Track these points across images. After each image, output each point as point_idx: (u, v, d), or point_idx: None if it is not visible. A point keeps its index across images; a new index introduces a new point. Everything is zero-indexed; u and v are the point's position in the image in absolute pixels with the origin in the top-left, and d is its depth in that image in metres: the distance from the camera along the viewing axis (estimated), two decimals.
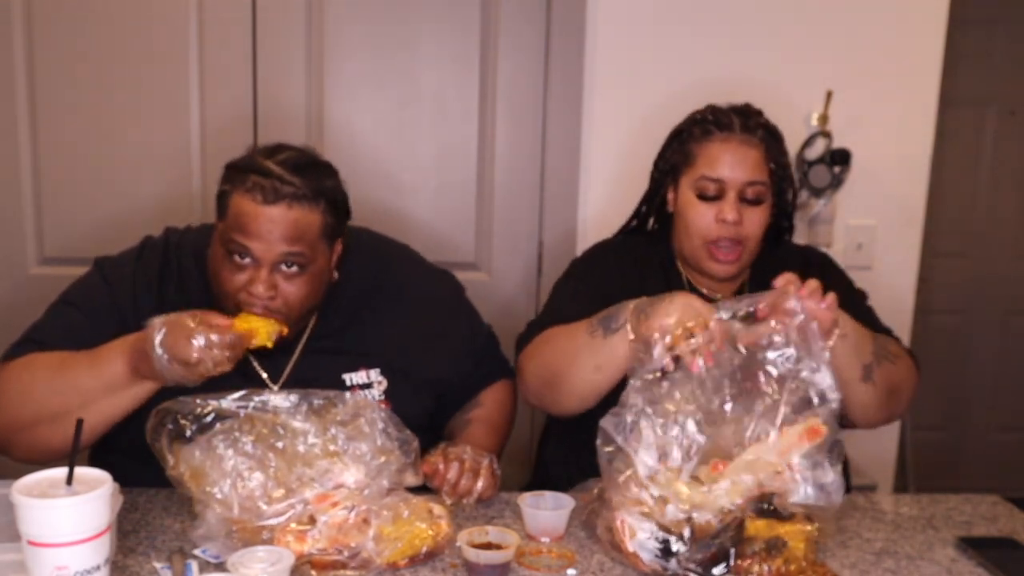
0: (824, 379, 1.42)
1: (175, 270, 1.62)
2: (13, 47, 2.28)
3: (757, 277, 1.79)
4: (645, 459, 1.36)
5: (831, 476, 1.38)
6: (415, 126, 2.40)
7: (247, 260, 1.49)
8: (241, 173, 1.50)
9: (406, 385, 1.66)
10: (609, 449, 1.40)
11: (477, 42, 2.37)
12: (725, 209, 1.68)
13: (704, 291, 1.78)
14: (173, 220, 1.81)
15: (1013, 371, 3.48)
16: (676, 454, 1.36)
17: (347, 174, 2.48)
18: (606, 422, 1.41)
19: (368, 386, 1.63)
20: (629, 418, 1.38)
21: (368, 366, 1.64)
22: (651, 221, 1.88)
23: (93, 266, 1.65)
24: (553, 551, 1.42)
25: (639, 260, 1.81)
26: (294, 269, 1.51)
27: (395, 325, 1.68)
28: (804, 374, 1.41)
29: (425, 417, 1.70)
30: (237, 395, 1.42)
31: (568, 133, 2.39)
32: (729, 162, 1.68)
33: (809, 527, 1.36)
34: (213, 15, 2.30)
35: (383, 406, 1.48)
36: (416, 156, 2.42)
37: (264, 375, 1.60)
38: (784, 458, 1.37)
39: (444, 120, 2.41)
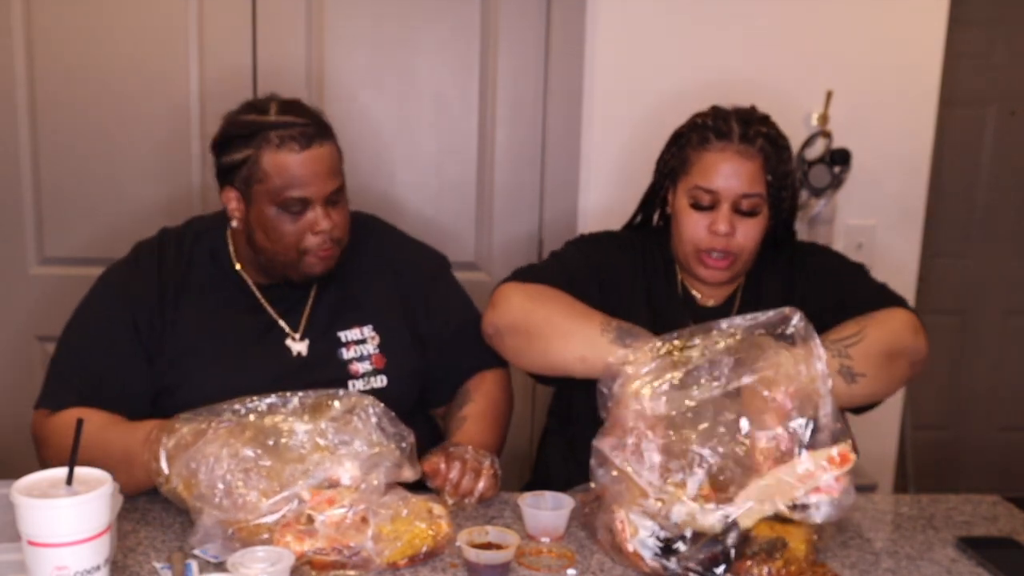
0: (827, 408, 1.39)
1: (175, 257, 1.68)
2: (13, 47, 2.28)
3: (751, 280, 1.79)
4: (650, 479, 1.35)
5: (851, 493, 1.36)
6: (415, 125, 2.40)
7: (302, 206, 1.58)
8: (257, 135, 1.56)
9: (397, 340, 1.71)
10: (605, 470, 1.39)
11: (477, 41, 2.37)
12: (718, 220, 1.66)
13: (697, 295, 1.78)
14: (173, 220, 1.81)
15: (1013, 371, 3.48)
16: (684, 478, 1.34)
17: (348, 173, 2.49)
18: (603, 444, 1.40)
19: (362, 342, 1.69)
20: (630, 440, 1.37)
21: (361, 323, 1.70)
22: (655, 218, 1.88)
23: (99, 283, 1.69)
24: (553, 551, 1.42)
25: (643, 256, 1.81)
26: (338, 199, 1.63)
27: (384, 287, 1.75)
28: None
29: (416, 384, 1.74)
30: (231, 407, 1.44)
31: (568, 133, 2.39)
32: (724, 173, 1.66)
33: (808, 528, 1.36)
34: (212, 14, 2.30)
35: (379, 404, 1.48)
36: (416, 155, 2.42)
37: (282, 323, 1.68)
38: (807, 484, 1.33)
39: (444, 120, 2.41)
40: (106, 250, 1.77)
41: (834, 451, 1.34)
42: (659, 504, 1.34)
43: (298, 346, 1.66)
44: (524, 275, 1.73)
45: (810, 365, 1.40)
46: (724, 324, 1.45)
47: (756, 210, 1.67)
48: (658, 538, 1.33)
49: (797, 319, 1.44)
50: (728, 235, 1.66)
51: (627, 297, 1.75)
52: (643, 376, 1.40)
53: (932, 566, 1.43)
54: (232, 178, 1.60)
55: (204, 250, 1.70)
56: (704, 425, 1.36)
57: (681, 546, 1.32)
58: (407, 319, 1.74)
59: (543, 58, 2.39)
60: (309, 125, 1.57)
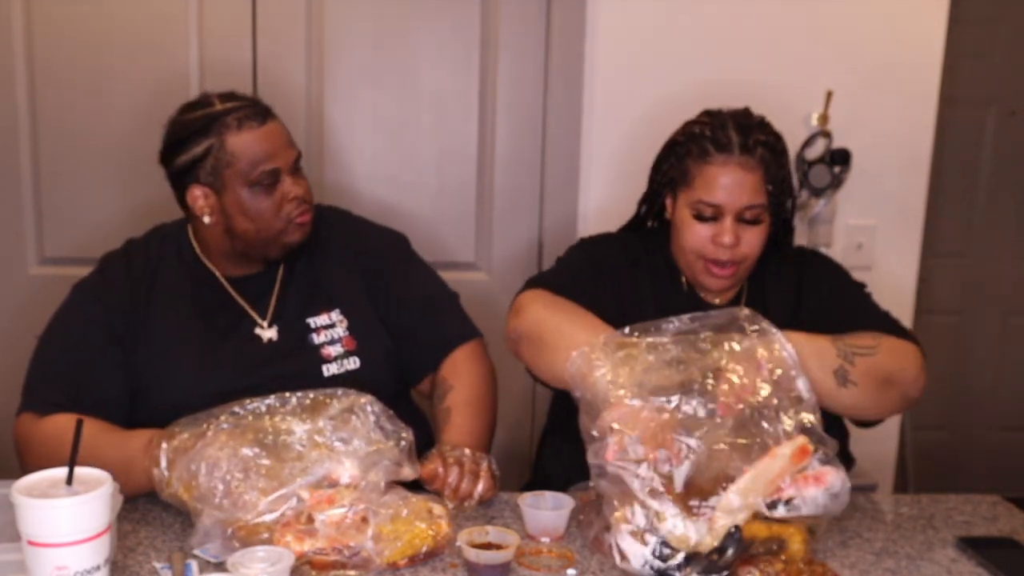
0: (803, 386, 1.43)
1: (142, 262, 1.71)
2: (13, 48, 2.28)
3: (754, 282, 1.79)
4: (641, 473, 1.34)
5: (840, 481, 1.36)
6: (415, 126, 2.40)
7: (273, 179, 1.63)
8: (214, 124, 1.61)
9: (366, 322, 1.74)
10: (600, 479, 1.39)
11: (477, 41, 2.37)
12: (723, 233, 1.66)
13: (703, 295, 1.78)
14: (172, 219, 1.81)
15: (1013, 371, 3.47)
16: (671, 469, 1.34)
17: (347, 174, 2.49)
18: (591, 455, 1.40)
19: (331, 326, 1.72)
20: (611, 440, 1.37)
21: (328, 308, 1.73)
22: (649, 222, 1.88)
23: (72, 293, 1.71)
24: (553, 551, 1.42)
25: (645, 255, 1.81)
26: (299, 167, 1.70)
27: (347, 273, 1.77)
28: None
29: (391, 365, 1.75)
30: (230, 410, 1.45)
31: (568, 133, 2.39)
32: (727, 186, 1.66)
33: (804, 527, 1.36)
34: (212, 14, 2.30)
35: (377, 402, 1.48)
36: (416, 156, 2.42)
37: (252, 313, 1.71)
38: (782, 480, 1.33)
39: (444, 121, 2.41)
40: (106, 250, 1.78)
41: (793, 447, 1.35)
42: (645, 521, 1.32)
43: (268, 333, 1.69)
44: (541, 283, 1.73)
45: (773, 350, 1.43)
46: (675, 323, 1.47)
47: (759, 219, 1.69)
48: (652, 568, 1.32)
49: (744, 317, 1.47)
50: (733, 246, 1.67)
51: (632, 296, 1.76)
52: (609, 374, 1.43)
53: (932, 566, 1.43)
54: (196, 175, 1.64)
55: (171, 251, 1.74)
56: (684, 414, 1.38)
57: (676, 574, 1.31)
58: (373, 303, 1.77)
59: (543, 58, 2.39)
60: (256, 104, 1.66)
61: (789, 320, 1.62)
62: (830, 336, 1.57)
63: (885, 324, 1.71)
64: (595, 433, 1.39)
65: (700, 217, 1.69)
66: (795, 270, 1.81)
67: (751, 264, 1.73)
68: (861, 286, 1.81)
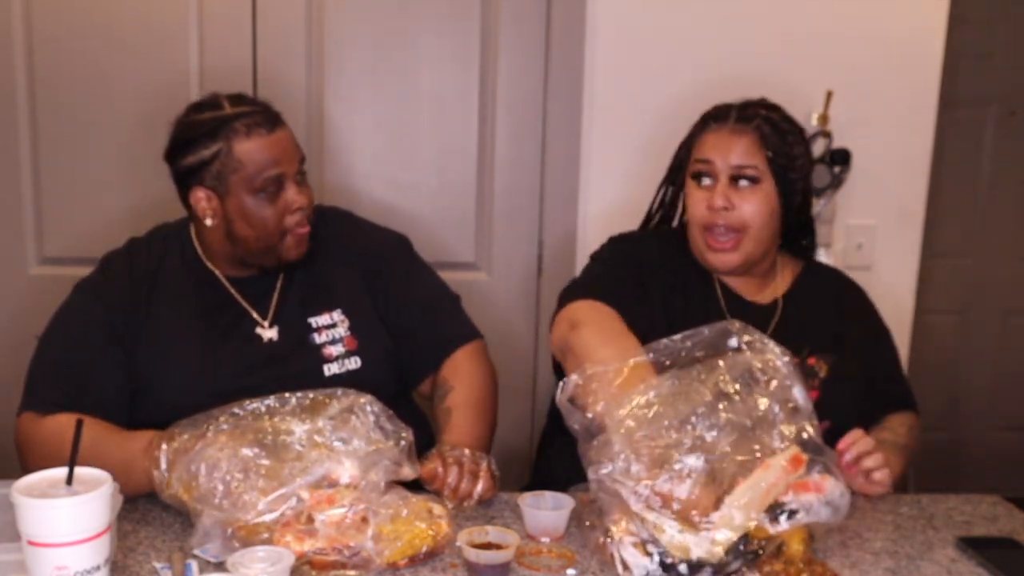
0: (799, 394, 1.41)
1: (144, 261, 1.72)
2: (13, 47, 2.28)
3: (791, 296, 1.80)
4: (639, 491, 1.32)
5: (839, 491, 1.36)
6: (415, 126, 2.40)
7: (277, 187, 1.64)
8: (222, 128, 1.60)
9: (367, 322, 1.74)
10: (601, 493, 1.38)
11: (477, 42, 2.37)
12: (714, 194, 1.69)
13: (740, 294, 1.79)
14: (172, 219, 1.81)
15: (1013, 371, 3.47)
16: (671, 489, 1.32)
17: (347, 174, 2.49)
18: (593, 471, 1.39)
19: (333, 326, 1.72)
20: (619, 464, 1.36)
21: (330, 308, 1.73)
22: (656, 219, 1.89)
23: (73, 292, 1.71)
24: (553, 551, 1.42)
25: (663, 255, 1.81)
26: (304, 176, 1.70)
27: (348, 272, 1.78)
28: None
29: (391, 366, 1.76)
30: (229, 411, 1.44)
31: (568, 133, 2.39)
32: (719, 146, 1.70)
33: (804, 527, 1.35)
34: (212, 14, 2.30)
35: (377, 402, 1.48)
36: (416, 156, 2.42)
37: (253, 313, 1.71)
38: (777, 490, 1.32)
39: (444, 120, 2.41)
40: (106, 250, 1.78)
41: (788, 456, 1.33)
42: (647, 534, 1.31)
43: (268, 333, 1.70)
44: (593, 292, 1.72)
45: (767, 361, 1.42)
46: (666, 343, 1.46)
47: (754, 180, 1.70)
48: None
49: (736, 330, 1.45)
50: (726, 208, 1.69)
51: (671, 296, 1.76)
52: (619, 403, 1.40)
53: (932, 566, 1.43)
54: (201, 177, 1.63)
55: (173, 250, 1.74)
56: (687, 437, 1.35)
57: None
58: (374, 303, 1.77)
59: (543, 58, 2.39)
60: (267, 110, 1.65)
61: (831, 342, 1.72)
62: (899, 449, 1.71)
63: (908, 394, 1.84)
64: (605, 460, 1.37)
65: (697, 177, 1.73)
66: (839, 295, 1.84)
67: (757, 236, 1.72)
68: (892, 343, 1.89)
